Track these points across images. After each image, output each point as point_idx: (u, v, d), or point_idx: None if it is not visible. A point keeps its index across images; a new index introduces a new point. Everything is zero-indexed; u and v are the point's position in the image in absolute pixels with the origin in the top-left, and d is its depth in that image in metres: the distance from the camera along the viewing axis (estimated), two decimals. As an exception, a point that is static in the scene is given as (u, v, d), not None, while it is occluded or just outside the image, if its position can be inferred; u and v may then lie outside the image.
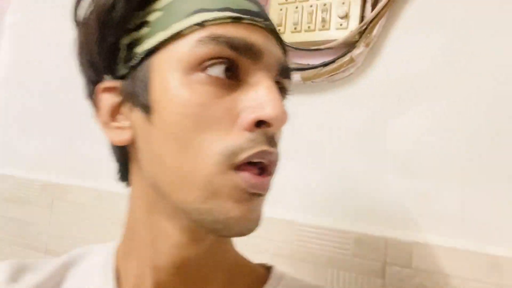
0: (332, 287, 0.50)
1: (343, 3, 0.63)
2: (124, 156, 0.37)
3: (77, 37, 0.36)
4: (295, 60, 0.68)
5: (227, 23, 0.31)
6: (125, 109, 0.34)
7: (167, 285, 0.35)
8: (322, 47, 0.64)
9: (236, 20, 0.31)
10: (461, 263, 0.53)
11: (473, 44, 0.57)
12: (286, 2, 0.68)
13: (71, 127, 0.95)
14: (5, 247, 0.96)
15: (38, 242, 0.91)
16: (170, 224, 0.34)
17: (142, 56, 0.32)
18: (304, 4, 0.66)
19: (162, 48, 0.32)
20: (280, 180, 0.42)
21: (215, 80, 0.30)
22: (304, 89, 0.68)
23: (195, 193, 0.30)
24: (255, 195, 0.31)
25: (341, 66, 0.63)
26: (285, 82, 0.35)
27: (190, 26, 0.31)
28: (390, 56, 0.63)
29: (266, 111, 0.29)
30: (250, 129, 0.30)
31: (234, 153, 0.29)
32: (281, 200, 0.67)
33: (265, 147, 0.30)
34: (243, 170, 0.30)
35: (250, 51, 0.31)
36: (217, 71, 0.30)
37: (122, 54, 0.34)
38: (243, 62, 0.31)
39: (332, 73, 0.63)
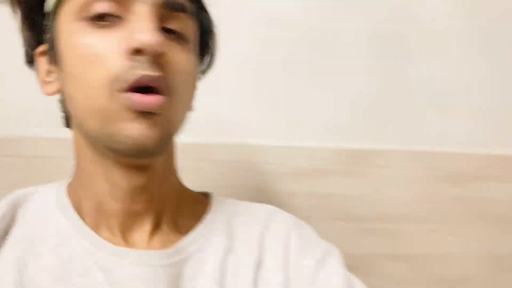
0: (272, 207, 0.51)
1: None
2: (63, 105, 0.43)
3: (15, 14, 0.42)
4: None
5: None
6: (52, 66, 0.40)
7: (126, 210, 0.40)
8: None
9: None
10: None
11: None
12: None
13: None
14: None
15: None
16: (108, 158, 0.38)
17: (50, 17, 0.39)
18: None
19: (59, 6, 0.38)
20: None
21: (97, 25, 0.35)
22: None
23: (95, 120, 0.36)
24: (149, 114, 0.35)
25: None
26: (169, 16, 0.38)
27: None
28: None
29: (136, 39, 0.33)
30: (127, 58, 0.34)
31: (116, 79, 0.34)
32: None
33: (145, 72, 0.34)
34: (132, 92, 0.34)
35: None
36: (98, 15, 0.35)
37: (45, 21, 0.40)
38: (122, 2, 0.35)
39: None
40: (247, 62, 0.79)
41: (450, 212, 0.83)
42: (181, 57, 0.38)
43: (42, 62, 0.42)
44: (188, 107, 0.43)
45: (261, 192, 0.77)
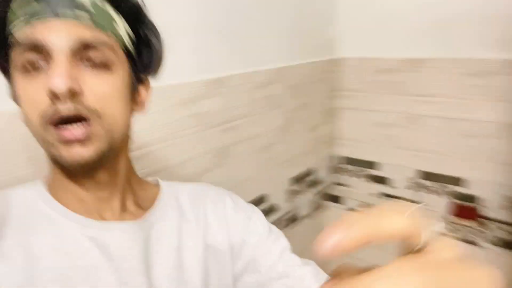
0: (206, 183, 0.73)
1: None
2: None
3: None
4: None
5: (22, 27, 0.46)
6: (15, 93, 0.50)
7: (97, 197, 0.55)
8: None
9: (26, 23, 0.46)
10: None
11: None
12: None
13: None
14: None
15: None
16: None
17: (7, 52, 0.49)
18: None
19: (11, 56, 0.49)
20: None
21: (28, 73, 0.46)
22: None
23: (42, 144, 0.50)
24: (74, 142, 0.47)
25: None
26: (87, 51, 0.47)
27: (9, 36, 0.48)
28: None
29: (47, 84, 0.44)
30: (49, 97, 0.45)
31: (44, 116, 0.46)
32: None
33: (62, 111, 0.45)
34: (57, 125, 0.46)
35: (36, 46, 0.45)
36: (26, 66, 0.46)
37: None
38: (41, 52, 0.46)
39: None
40: None
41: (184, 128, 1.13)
42: (101, 83, 0.48)
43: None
44: (120, 121, 0.52)
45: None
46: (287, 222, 1.75)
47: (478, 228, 1.75)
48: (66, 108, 0.45)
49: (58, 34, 0.45)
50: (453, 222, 1.82)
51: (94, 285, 0.49)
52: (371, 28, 1.86)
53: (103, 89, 0.48)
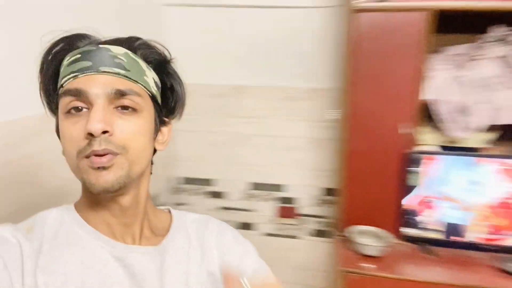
0: (207, 216, 0.79)
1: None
2: None
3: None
4: None
5: (70, 80, 0.57)
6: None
7: (121, 222, 0.64)
8: None
9: (74, 77, 0.57)
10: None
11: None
12: None
13: None
14: None
15: None
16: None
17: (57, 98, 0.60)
18: None
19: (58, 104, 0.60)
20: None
21: (71, 115, 0.57)
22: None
23: (74, 173, 0.58)
24: (102, 168, 0.55)
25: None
26: (121, 98, 0.57)
27: (60, 87, 0.59)
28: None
29: (86, 126, 0.54)
30: (86, 138, 0.54)
31: (80, 152, 0.55)
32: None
33: (96, 148, 0.54)
34: (90, 157, 0.55)
35: (79, 93, 0.56)
36: (71, 110, 0.57)
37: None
38: (82, 99, 0.56)
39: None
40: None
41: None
42: (129, 125, 0.58)
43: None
44: (142, 156, 0.61)
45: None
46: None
47: (298, 224, 2.13)
48: (99, 145, 0.54)
49: (99, 86, 0.56)
50: (279, 223, 2.15)
51: None
52: (199, 58, 2.03)
53: (130, 129, 0.58)
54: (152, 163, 0.69)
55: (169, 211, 0.77)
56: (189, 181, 2.18)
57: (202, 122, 2.08)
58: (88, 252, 0.59)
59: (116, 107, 0.57)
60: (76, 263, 0.58)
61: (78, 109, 0.56)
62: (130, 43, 0.62)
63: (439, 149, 1.64)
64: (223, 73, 2.02)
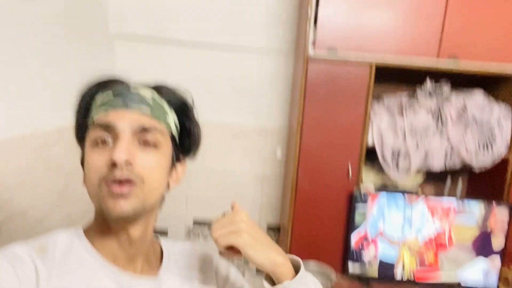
0: (191, 242, 0.81)
1: None
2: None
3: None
4: None
5: (102, 115, 0.62)
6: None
7: (127, 253, 0.66)
8: None
9: (105, 112, 0.62)
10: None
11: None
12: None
13: None
14: None
15: None
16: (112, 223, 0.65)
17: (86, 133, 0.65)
18: None
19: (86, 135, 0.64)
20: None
21: (98, 146, 0.61)
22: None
23: (94, 199, 0.62)
24: (119, 196, 0.59)
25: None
26: (144, 134, 0.62)
27: (91, 122, 0.64)
28: None
29: (111, 155, 0.58)
30: (110, 167, 0.58)
31: (102, 180, 0.59)
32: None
33: (117, 176, 0.58)
34: (111, 184, 0.58)
35: (108, 127, 0.61)
36: (98, 142, 0.61)
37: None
38: (110, 132, 0.61)
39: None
40: None
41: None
42: (149, 159, 0.62)
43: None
44: (157, 188, 0.64)
45: None
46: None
47: (242, 260, 2.10)
48: (120, 173, 0.58)
49: (126, 121, 0.61)
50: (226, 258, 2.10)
51: None
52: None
53: (149, 162, 0.62)
54: (163, 198, 0.72)
55: (158, 238, 0.80)
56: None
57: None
58: (95, 280, 0.62)
59: (139, 141, 0.62)
60: (83, 287, 0.60)
61: (104, 142, 0.61)
62: (157, 87, 0.69)
63: (378, 189, 1.77)
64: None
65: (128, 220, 0.63)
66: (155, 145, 0.64)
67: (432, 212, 1.65)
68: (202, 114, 2.03)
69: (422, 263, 1.67)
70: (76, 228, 0.67)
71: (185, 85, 2.06)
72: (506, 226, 1.64)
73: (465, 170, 1.86)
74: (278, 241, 2.08)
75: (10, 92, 1.14)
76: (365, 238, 1.68)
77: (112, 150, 0.59)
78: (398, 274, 1.68)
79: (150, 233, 0.72)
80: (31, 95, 1.24)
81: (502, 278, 1.70)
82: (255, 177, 2.03)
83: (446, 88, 1.71)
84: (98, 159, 0.60)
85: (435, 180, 1.92)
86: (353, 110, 1.63)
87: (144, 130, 0.62)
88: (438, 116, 1.65)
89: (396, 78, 1.80)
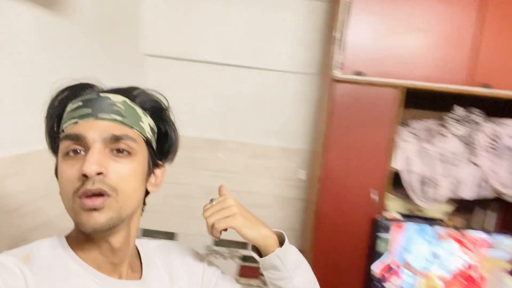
0: (166, 240, 0.82)
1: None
2: None
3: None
4: None
5: (71, 126, 0.61)
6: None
7: (111, 261, 0.65)
8: None
9: (75, 123, 0.61)
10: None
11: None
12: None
13: None
14: None
15: None
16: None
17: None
18: None
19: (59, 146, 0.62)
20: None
21: (69, 157, 0.60)
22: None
23: (69, 212, 0.61)
24: (94, 209, 0.58)
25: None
26: (116, 142, 0.61)
27: (61, 132, 0.63)
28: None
29: (82, 169, 0.57)
30: (81, 179, 0.57)
31: (75, 192, 0.58)
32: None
33: (88, 187, 0.57)
34: (83, 197, 0.57)
35: (78, 138, 0.59)
36: (69, 153, 0.60)
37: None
38: (81, 142, 0.59)
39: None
40: None
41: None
42: (122, 168, 0.61)
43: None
44: (133, 197, 0.63)
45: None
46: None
47: (261, 286, 2.06)
48: (92, 185, 0.57)
49: (96, 131, 0.60)
50: (242, 283, 2.06)
51: None
52: (176, 108, 2.00)
53: (123, 172, 0.61)
54: (144, 204, 0.72)
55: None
56: (147, 233, 2.05)
57: (170, 173, 2.01)
58: (81, 285, 0.61)
59: (111, 150, 0.61)
60: None
61: (76, 152, 0.60)
62: (129, 92, 0.66)
63: (403, 217, 1.71)
64: (197, 125, 2.01)
65: (105, 231, 0.61)
66: (129, 153, 0.62)
67: (461, 244, 1.57)
68: (226, 133, 2.06)
69: (449, 297, 1.58)
70: (58, 237, 0.66)
71: (211, 104, 2.10)
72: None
73: (497, 200, 1.77)
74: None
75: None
76: (388, 267, 1.61)
77: (83, 162, 0.58)
78: (423, 308, 1.59)
79: (133, 239, 0.70)
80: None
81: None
82: (277, 198, 2.01)
83: (477, 115, 1.66)
84: (70, 171, 0.59)
85: (465, 210, 1.84)
86: (378, 134, 1.60)
87: (115, 138, 0.61)
88: (469, 144, 1.59)
89: (424, 104, 1.76)
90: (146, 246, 0.77)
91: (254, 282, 2.05)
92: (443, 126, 1.66)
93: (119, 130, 0.61)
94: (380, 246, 1.60)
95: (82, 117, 0.61)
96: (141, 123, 0.65)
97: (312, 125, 1.96)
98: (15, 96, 1.05)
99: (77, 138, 0.59)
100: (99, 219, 0.58)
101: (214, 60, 1.96)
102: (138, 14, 1.90)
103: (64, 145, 0.60)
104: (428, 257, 1.59)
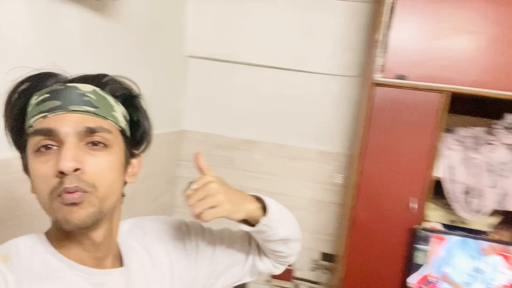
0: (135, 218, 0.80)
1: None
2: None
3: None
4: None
5: (40, 120, 0.57)
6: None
7: (94, 256, 0.64)
8: None
9: (44, 117, 0.57)
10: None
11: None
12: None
13: None
14: None
15: None
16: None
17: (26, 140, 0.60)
18: None
19: (27, 142, 0.59)
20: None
21: (41, 153, 0.56)
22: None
23: (48, 211, 0.58)
24: (74, 204, 0.55)
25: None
26: (91, 135, 0.58)
27: (29, 127, 0.59)
28: None
29: (57, 165, 0.54)
30: (58, 176, 0.55)
31: (53, 191, 0.55)
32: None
33: (66, 185, 0.54)
34: (62, 195, 0.55)
35: (50, 132, 0.56)
36: (41, 148, 0.56)
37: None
38: (53, 137, 0.56)
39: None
40: None
41: None
42: (99, 162, 0.58)
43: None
44: (113, 191, 0.61)
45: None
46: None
47: (292, 288, 2.05)
48: (70, 183, 0.55)
49: (69, 125, 0.56)
50: (274, 285, 2.06)
51: None
52: (215, 108, 2.05)
53: (100, 166, 0.58)
54: (123, 195, 0.69)
55: None
56: (185, 229, 2.11)
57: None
58: (66, 283, 0.59)
59: (87, 144, 0.58)
60: None
61: (47, 147, 0.56)
62: (98, 80, 0.62)
63: (444, 228, 1.63)
64: (235, 125, 2.04)
65: (86, 228, 0.59)
66: (105, 145, 0.59)
67: (507, 260, 1.48)
68: (264, 134, 2.06)
69: (492, 316, 1.49)
70: (37, 234, 0.64)
71: (250, 105, 2.11)
72: None
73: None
74: (331, 271, 2.00)
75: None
76: (426, 279, 1.55)
77: (58, 158, 0.55)
78: (463, 325, 1.51)
79: (116, 232, 0.69)
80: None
81: None
82: (312, 201, 1.99)
83: (530, 123, 1.55)
84: (44, 168, 0.56)
85: (508, 224, 1.72)
86: (420, 140, 1.53)
87: (90, 131, 0.57)
88: (520, 154, 1.49)
89: (471, 110, 1.67)
90: (120, 230, 0.74)
91: (286, 284, 2.05)
92: (491, 134, 1.57)
93: (92, 122, 0.58)
94: (418, 257, 1.54)
95: (51, 110, 0.57)
96: (114, 113, 0.62)
97: (350, 129, 1.92)
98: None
99: (49, 133, 0.56)
100: (80, 215, 0.56)
101: (254, 61, 1.98)
102: (182, 16, 1.96)
103: (34, 141, 0.57)
104: (470, 271, 1.51)
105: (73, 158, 0.54)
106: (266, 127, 2.00)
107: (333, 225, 1.96)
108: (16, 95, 0.59)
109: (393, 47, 1.50)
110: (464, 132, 1.62)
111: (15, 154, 0.62)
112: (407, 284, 1.56)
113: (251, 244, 0.85)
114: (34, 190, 0.59)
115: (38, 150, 0.56)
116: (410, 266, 1.55)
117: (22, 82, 0.59)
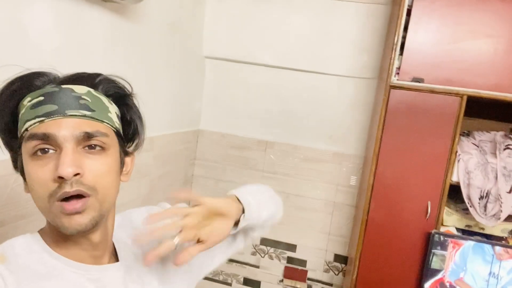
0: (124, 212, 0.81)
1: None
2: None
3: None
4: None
5: (37, 125, 0.56)
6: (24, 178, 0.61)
7: (92, 255, 0.64)
8: None
9: (41, 122, 0.56)
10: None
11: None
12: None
13: None
14: None
15: None
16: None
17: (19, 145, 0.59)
18: None
19: (21, 145, 0.58)
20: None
21: (38, 156, 0.56)
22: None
23: (46, 216, 0.59)
24: (73, 213, 0.56)
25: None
26: (88, 140, 0.58)
27: (24, 131, 0.57)
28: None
29: (57, 171, 0.53)
30: (57, 181, 0.54)
31: (51, 196, 0.55)
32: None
33: (66, 190, 0.54)
34: (62, 201, 0.55)
35: (47, 137, 0.55)
36: (37, 152, 0.56)
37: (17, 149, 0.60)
38: (50, 142, 0.55)
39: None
40: None
41: None
42: (98, 165, 0.58)
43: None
44: (112, 192, 0.62)
45: None
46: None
47: (305, 288, 2.06)
48: (70, 187, 0.55)
49: (67, 130, 0.56)
50: (288, 285, 2.08)
51: None
52: (231, 109, 2.08)
53: (99, 169, 0.59)
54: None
55: None
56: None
57: (221, 170, 2.09)
58: (64, 280, 0.60)
59: (84, 147, 0.58)
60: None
61: (44, 151, 0.56)
62: (91, 80, 0.62)
63: (461, 232, 1.61)
64: (250, 126, 2.06)
65: (88, 231, 0.59)
66: (102, 148, 0.59)
67: (525, 266, 1.45)
68: (279, 135, 2.06)
69: (508, 323, 1.47)
70: (32, 234, 0.64)
71: (266, 106, 2.12)
72: None
73: None
74: (344, 272, 2.00)
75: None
76: (441, 283, 1.54)
77: (56, 163, 0.55)
78: (478, 331, 1.50)
79: (112, 230, 0.69)
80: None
81: None
82: (326, 203, 1.99)
83: (551, 128, 1.52)
84: (42, 172, 0.55)
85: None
86: (436, 143, 1.52)
87: (87, 136, 0.57)
88: (539, 159, 1.46)
89: (490, 114, 1.65)
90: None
91: (300, 285, 2.06)
92: (509, 138, 1.54)
93: (90, 126, 0.58)
94: (434, 262, 1.53)
95: (48, 115, 0.56)
96: (109, 114, 0.62)
97: (366, 131, 1.92)
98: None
99: (46, 138, 0.55)
100: (82, 221, 0.57)
101: (271, 63, 1.99)
102: (200, 18, 1.99)
103: (30, 145, 0.56)
104: (486, 277, 1.49)
105: (73, 163, 0.54)
106: (281, 128, 2.02)
107: (347, 227, 1.96)
108: (5, 96, 0.58)
109: (410, 50, 1.50)
110: (481, 136, 1.60)
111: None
112: (421, 288, 1.55)
113: None
114: (29, 190, 0.59)
115: (34, 154, 0.56)
116: (426, 271, 1.54)
117: (12, 83, 0.58)
